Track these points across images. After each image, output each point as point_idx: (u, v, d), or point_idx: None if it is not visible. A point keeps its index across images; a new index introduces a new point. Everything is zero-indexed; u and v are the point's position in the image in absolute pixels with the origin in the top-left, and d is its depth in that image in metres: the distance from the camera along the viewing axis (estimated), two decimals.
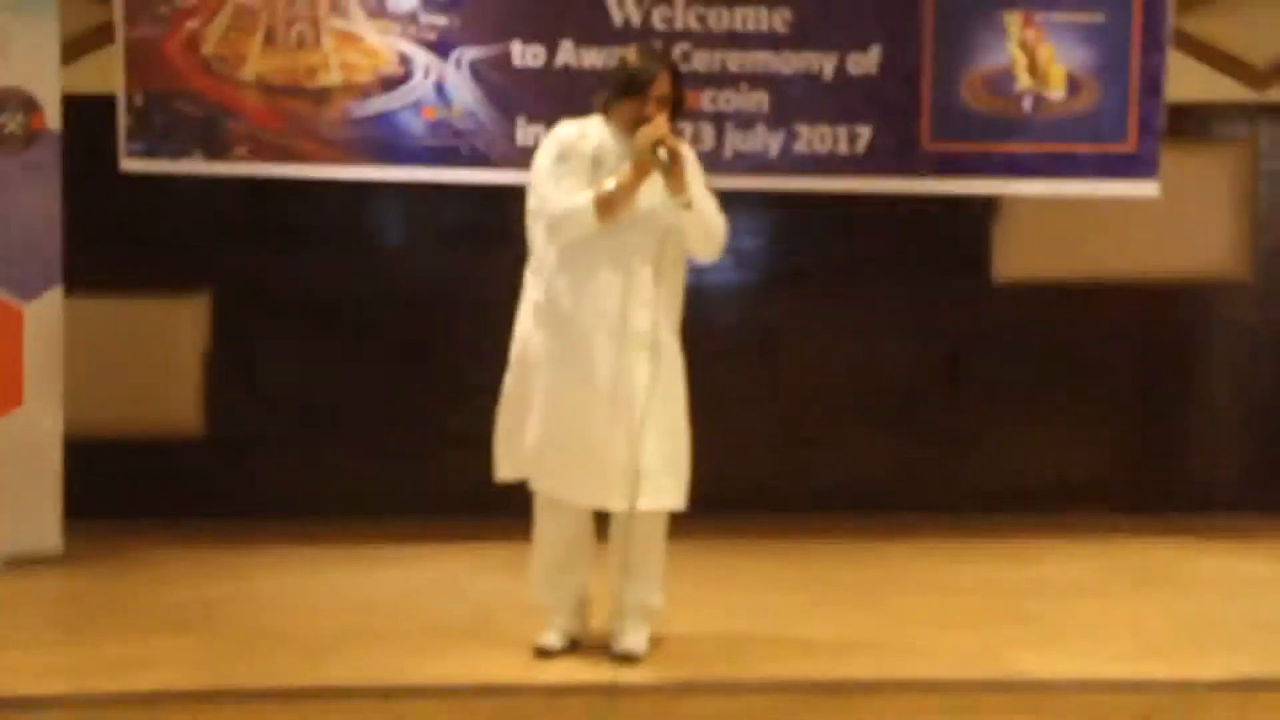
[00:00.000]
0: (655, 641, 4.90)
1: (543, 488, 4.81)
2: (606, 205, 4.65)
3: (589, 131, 4.83)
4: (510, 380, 4.90)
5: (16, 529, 6.38)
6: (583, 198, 4.68)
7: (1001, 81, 6.83)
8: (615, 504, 4.70)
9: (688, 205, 4.68)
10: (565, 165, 4.77)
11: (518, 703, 4.42)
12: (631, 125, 4.74)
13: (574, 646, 4.88)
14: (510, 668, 4.69)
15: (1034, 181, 6.89)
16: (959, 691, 4.44)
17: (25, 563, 6.31)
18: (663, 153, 4.61)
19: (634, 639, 4.81)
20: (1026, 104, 6.85)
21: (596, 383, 4.67)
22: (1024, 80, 6.84)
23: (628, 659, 4.74)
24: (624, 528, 4.73)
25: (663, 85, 4.76)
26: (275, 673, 4.62)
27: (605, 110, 4.85)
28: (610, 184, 4.66)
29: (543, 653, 4.81)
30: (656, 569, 4.88)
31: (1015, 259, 7.71)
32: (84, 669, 4.68)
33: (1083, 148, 6.84)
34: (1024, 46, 6.82)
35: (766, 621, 5.33)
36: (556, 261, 4.77)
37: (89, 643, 5.03)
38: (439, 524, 6.98)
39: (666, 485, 4.73)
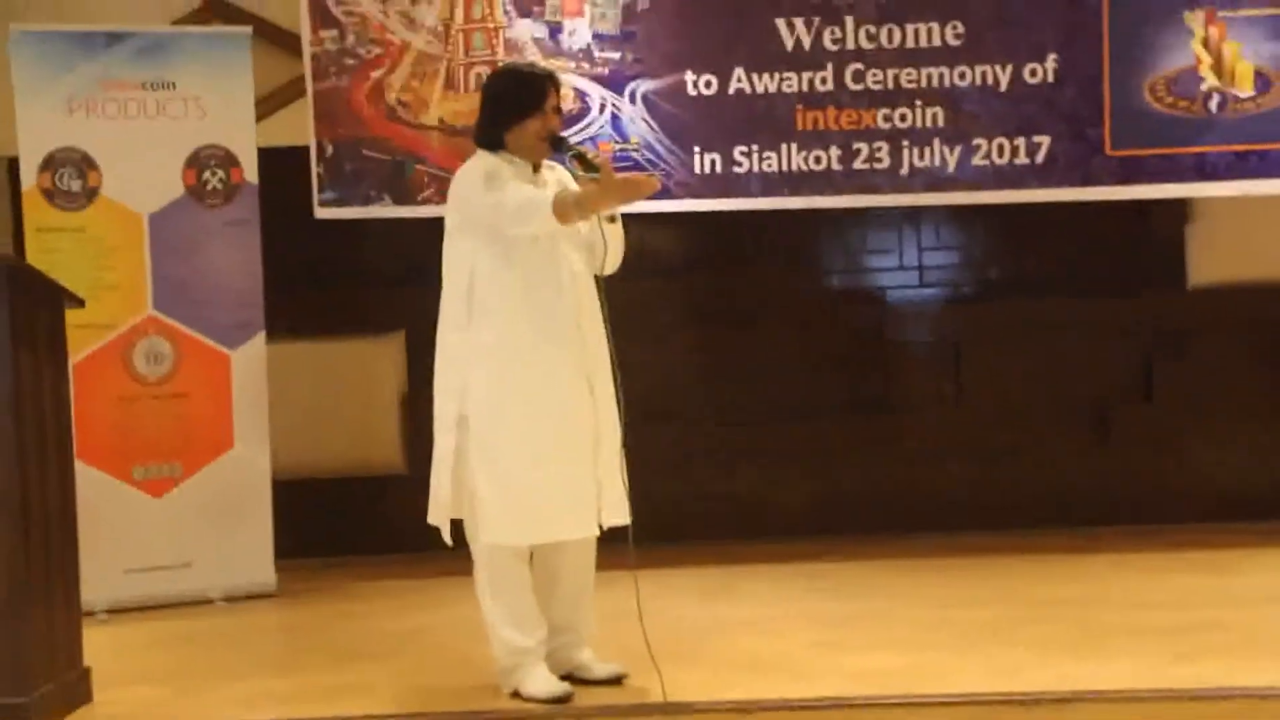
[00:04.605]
0: (841, 655, 4.92)
1: (525, 536, 4.58)
2: (563, 210, 4.40)
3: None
4: (456, 440, 4.67)
5: (233, 566, 6.60)
6: (539, 196, 4.48)
7: (1186, 82, 6.70)
8: (591, 529, 4.61)
9: (613, 218, 4.58)
10: (499, 180, 4.55)
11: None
12: (536, 144, 4.60)
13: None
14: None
15: (1224, 183, 6.73)
16: (1146, 701, 4.37)
17: (243, 598, 6.56)
18: (599, 159, 4.54)
19: (606, 663, 4.76)
20: (1213, 104, 6.71)
21: (577, 412, 4.55)
22: (1210, 79, 6.71)
23: (621, 677, 4.70)
24: (579, 556, 4.69)
25: (555, 95, 4.65)
26: (465, 697, 4.73)
27: (498, 142, 4.63)
28: (569, 196, 4.46)
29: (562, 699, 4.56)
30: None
31: (1212, 263, 7.54)
32: (292, 697, 4.84)
33: (1276, 146, 6.67)
34: (1207, 45, 6.69)
35: (953, 638, 5.27)
36: (501, 301, 4.53)
37: (297, 672, 5.19)
38: None
39: (624, 497, 4.65)
